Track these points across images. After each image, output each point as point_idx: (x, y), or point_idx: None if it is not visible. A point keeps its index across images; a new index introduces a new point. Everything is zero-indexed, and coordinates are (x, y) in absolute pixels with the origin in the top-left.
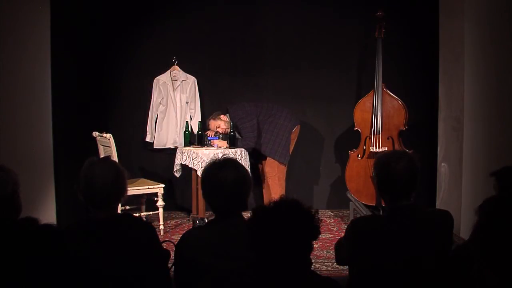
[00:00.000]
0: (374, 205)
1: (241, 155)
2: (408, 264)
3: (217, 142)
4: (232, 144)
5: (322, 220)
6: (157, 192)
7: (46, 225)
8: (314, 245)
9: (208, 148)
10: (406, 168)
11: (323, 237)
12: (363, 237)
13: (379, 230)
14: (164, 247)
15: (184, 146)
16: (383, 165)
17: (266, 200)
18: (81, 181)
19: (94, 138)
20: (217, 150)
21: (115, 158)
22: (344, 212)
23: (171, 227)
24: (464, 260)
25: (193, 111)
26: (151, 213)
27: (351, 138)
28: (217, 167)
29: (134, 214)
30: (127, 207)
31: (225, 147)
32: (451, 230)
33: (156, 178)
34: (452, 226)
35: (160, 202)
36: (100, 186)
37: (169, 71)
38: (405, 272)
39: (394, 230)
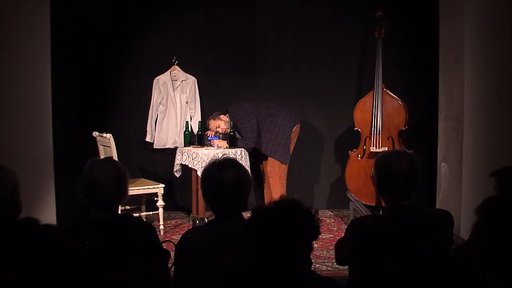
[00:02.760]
0: (374, 205)
1: (241, 155)
2: (408, 264)
3: (217, 142)
4: (232, 144)
5: (322, 220)
6: (157, 192)
7: (46, 225)
8: (314, 245)
9: (208, 148)
10: (406, 168)
11: (323, 237)
12: (363, 237)
13: (379, 230)
14: (164, 247)
15: (184, 146)
16: (383, 164)
17: (267, 200)
18: (82, 182)
19: (94, 138)
20: (217, 150)
21: (115, 158)
22: (344, 212)
23: (171, 227)
24: (464, 260)
25: (193, 111)
26: (151, 213)
27: (351, 138)
28: (217, 167)
29: (134, 214)
30: (127, 207)
31: (225, 147)
32: (451, 230)
33: (156, 178)
34: (452, 226)
35: (160, 202)
36: (101, 187)
37: (169, 71)
38: (404, 272)
39: (394, 230)
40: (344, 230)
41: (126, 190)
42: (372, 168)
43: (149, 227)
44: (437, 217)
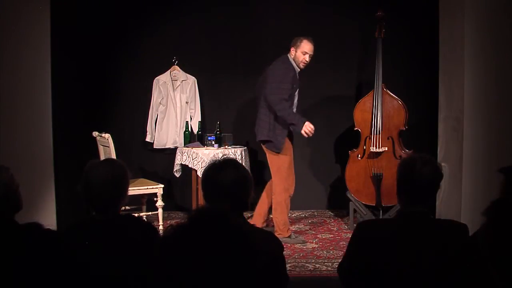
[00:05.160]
0: (374, 205)
1: (241, 155)
2: (410, 271)
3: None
4: (221, 145)
5: (322, 220)
6: (156, 192)
7: (48, 230)
8: (314, 245)
9: (208, 148)
10: (430, 174)
11: (323, 237)
12: (370, 241)
13: (386, 233)
14: None
15: (184, 146)
16: (408, 165)
17: (265, 192)
18: (82, 182)
19: (94, 138)
20: (217, 150)
21: (113, 158)
22: (344, 212)
23: None
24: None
25: (193, 111)
26: (150, 213)
27: (351, 138)
28: (217, 167)
29: (133, 214)
30: (127, 207)
31: (225, 147)
32: (464, 243)
33: (156, 178)
34: (466, 239)
35: (160, 203)
36: (98, 188)
37: (169, 71)
38: (410, 278)
39: (402, 235)
40: (344, 231)
41: (125, 191)
42: (372, 168)
43: (150, 228)
44: (451, 228)
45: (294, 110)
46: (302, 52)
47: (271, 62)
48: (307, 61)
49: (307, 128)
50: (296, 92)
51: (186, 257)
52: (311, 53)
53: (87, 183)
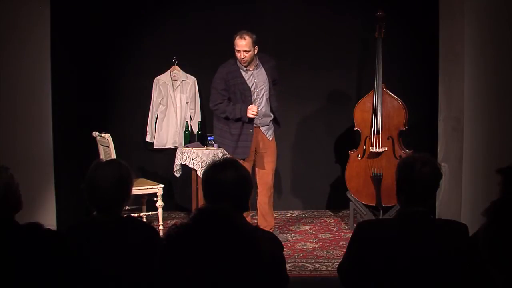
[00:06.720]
0: (374, 205)
1: None
2: (410, 271)
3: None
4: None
5: (322, 220)
6: (156, 192)
7: (48, 229)
8: (314, 245)
9: (208, 148)
10: (430, 174)
11: (323, 237)
12: (370, 241)
13: (385, 234)
14: None
15: (184, 146)
16: (408, 165)
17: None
18: (85, 183)
19: (94, 138)
20: (217, 150)
21: (113, 158)
22: (344, 212)
23: None
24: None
25: (193, 111)
26: (150, 213)
27: (351, 138)
28: (217, 168)
29: (133, 215)
30: (127, 207)
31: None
32: (464, 243)
33: (156, 178)
34: (466, 239)
35: (160, 203)
36: (102, 188)
37: (169, 71)
38: (410, 278)
39: (401, 235)
40: (344, 231)
41: (129, 192)
42: (372, 168)
43: (151, 229)
44: (450, 228)
45: (263, 110)
46: (235, 49)
47: None
48: (242, 58)
49: (251, 112)
50: (259, 92)
51: (190, 257)
52: (242, 48)
53: (92, 183)
